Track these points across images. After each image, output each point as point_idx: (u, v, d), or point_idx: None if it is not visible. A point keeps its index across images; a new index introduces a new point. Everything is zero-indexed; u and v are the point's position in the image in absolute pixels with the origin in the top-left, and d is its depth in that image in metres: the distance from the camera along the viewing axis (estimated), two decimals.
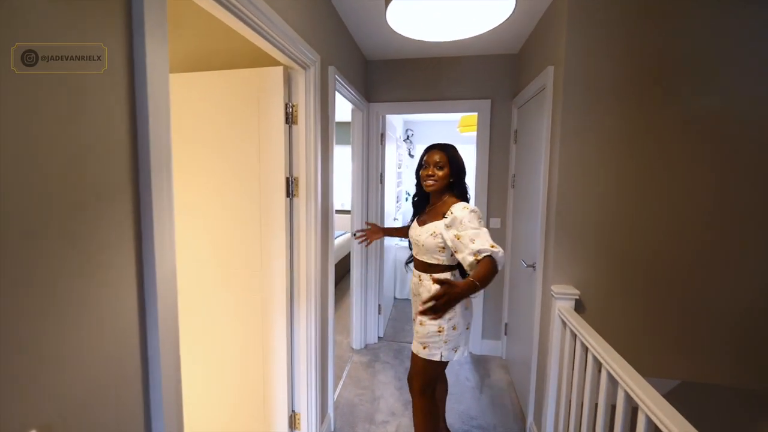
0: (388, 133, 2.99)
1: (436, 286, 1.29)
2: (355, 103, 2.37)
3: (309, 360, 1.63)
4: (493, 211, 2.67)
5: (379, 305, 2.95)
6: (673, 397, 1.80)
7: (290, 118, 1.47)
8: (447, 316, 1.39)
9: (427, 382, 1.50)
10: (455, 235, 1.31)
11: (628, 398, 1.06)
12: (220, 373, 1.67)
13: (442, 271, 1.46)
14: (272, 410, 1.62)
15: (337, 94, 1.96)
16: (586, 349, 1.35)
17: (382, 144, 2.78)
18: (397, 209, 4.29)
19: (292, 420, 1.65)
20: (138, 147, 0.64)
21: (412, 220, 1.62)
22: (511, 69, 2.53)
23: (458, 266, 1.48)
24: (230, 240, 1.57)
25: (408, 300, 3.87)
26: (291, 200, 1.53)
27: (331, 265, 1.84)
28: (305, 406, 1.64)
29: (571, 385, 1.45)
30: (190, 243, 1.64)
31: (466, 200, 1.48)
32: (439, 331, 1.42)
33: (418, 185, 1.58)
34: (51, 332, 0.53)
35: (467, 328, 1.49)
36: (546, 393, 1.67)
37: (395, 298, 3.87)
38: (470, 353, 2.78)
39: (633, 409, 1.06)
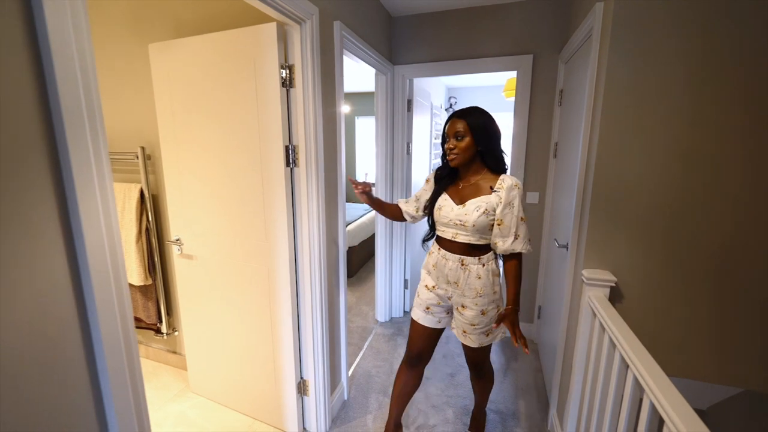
0: (419, 99, 2.78)
1: (486, 273, 1.33)
2: (376, 66, 2.20)
3: (315, 330, 1.63)
4: (531, 184, 2.40)
5: (406, 280, 2.88)
6: (734, 406, 1.51)
7: (287, 81, 1.38)
8: (500, 293, 1.38)
9: (487, 360, 1.55)
10: (499, 219, 1.27)
11: (654, 410, 0.88)
12: (233, 338, 1.75)
13: (487, 252, 1.34)
14: (281, 375, 1.66)
15: (349, 55, 1.82)
16: (614, 346, 1.15)
17: (409, 111, 2.60)
18: None
19: (301, 386, 1.69)
20: (48, 97, 0.59)
21: (436, 197, 1.40)
22: (557, 14, 2.15)
23: None
24: (236, 210, 1.57)
25: None
26: (291, 170, 1.47)
27: (341, 238, 1.79)
28: (312, 374, 1.66)
29: (597, 382, 1.27)
30: (198, 212, 1.68)
31: (504, 171, 1.33)
32: (498, 311, 1.39)
33: (444, 158, 1.39)
34: None
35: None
36: (570, 385, 1.50)
37: None
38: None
39: (660, 421, 0.88)
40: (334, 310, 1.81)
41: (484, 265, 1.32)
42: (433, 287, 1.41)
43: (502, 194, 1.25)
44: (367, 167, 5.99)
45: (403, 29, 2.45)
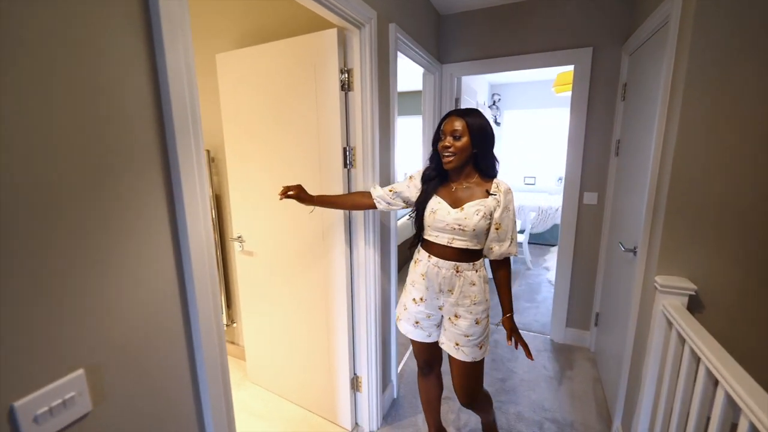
0: (465, 98, 2.74)
1: (479, 280, 1.30)
2: (425, 65, 2.20)
3: (369, 326, 1.66)
4: (588, 184, 2.27)
5: None
6: None
7: (346, 85, 1.42)
8: (482, 307, 1.31)
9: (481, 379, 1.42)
10: (497, 223, 1.24)
11: (754, 429, 0.80)
12: (290, 332, 1.82)
13: (479, 258, 1.29)
14: (335, 371, 1.71)
15: (401, 56, 1.83)
16: (697, 360, 1.07)
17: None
18: None
19: (354, 382, 1.73)
20: (162, 108, 0.66)
21: (426, 199, 1.30)
22: (620, 4, 2.02)
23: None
24: (294, 210, 1.64)
25: None
26: (348, 171, 1.51)
27: (393, 236, 1.81)
28: (366, 370, 1.70)
29: (673, 397, 1.18)
30: (259, 211, 1.77)
31: (494, 175, 1.28)
32: (487, 317, 1.34)
33: (435, 158, 1.30)
34: (91, 286, 0.59)
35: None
36: (640, 398, 1.40)
37: None
38: (553, 342, 2.53)
39: None
40: (386, 307, 1.84)
41: (477, 271, 1.28)
42: (421, 299, 1.33)
43: (501, 198, 1.23)
44: (407, 167, 5.99)
45: (451, 27, 2.42)
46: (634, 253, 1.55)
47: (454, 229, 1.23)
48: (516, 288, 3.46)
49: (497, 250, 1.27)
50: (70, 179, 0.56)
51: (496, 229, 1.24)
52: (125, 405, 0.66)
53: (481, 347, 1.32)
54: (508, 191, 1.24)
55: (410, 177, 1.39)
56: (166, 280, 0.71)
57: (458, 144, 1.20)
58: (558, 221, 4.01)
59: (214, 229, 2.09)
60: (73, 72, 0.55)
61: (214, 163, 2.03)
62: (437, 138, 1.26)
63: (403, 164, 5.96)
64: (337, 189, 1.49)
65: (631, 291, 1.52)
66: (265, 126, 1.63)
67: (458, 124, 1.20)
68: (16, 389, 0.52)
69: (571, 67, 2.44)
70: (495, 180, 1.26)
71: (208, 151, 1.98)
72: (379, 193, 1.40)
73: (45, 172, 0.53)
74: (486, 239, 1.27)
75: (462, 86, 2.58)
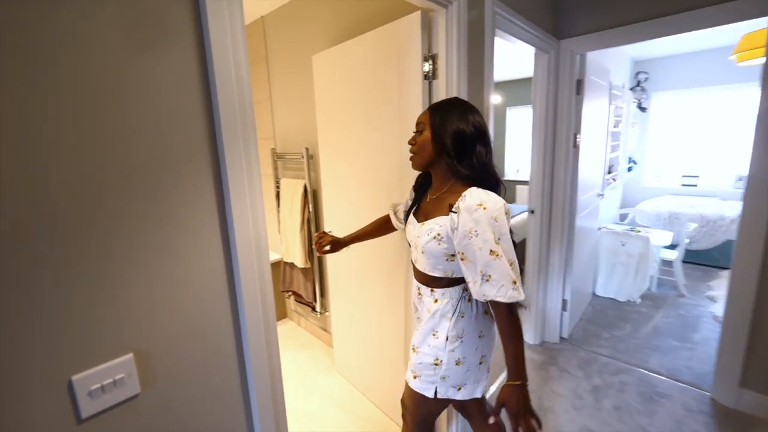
0: (593, 78, 2.24)
1: (438, 311, 1.01)
2: (536, 44, 1.86)
3: None
4: None
5: (564, 300, 2.39)
6: None
7: (430, 73, 1.28)
8: (449, 347, 0.99)
9: (421, 417, 1.14)
10: (461, 252, 0.90)
11: None
12: (370, 331, 1.79)
13: (449, 285, 1.00)
14: None
15: (502, 35, 1.58)
16: None
17: (578, 94, 2.12)
18: (607, 183, 3.30)
19: None
20: (212, 108, 0.66)
21: (408, 213, 1.11)
22: None
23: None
24: (378, 205, 1.58)
25: (612, 300, 3.00)
26: None
27: None
28: None
29: None
30: (346, 205, 1.78)
31: (484, 185, 0.93)
32: (436, 364, 1.01)
33: None
34: (141, 278, 0.62)
35: (480, 363, 1.03)
36: None
37: (594, 295, 3.08)
38: (717, 403, 1.85)
39: None
40: None
41: (437, 300, 1.01)
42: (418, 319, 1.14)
43: (458, 217, 0.88)
44: (519, 163, 5.41)
45: None
46: None
47: (416, 246, 1.02)
48: (660, 320, 2.70)
49: (472, 288, 0.92)
50: (128, 179, 0.60)
51: (462, 259, 0.91)
52: (173, 390, 0.69)
53: (416, 377, 1.05)
54: (473, 209, 0.86)
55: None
56: (215, 276, 0.72)
57: (419, 139, 0.99)
58: (733, 236, 2.96)
59: (312, 222, 2.22)
60: (128, 68, 0.59)
61: (312, 160, 2.14)
62: None
63: (516, 160, 5.41)
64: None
65: None
66: (352, 122, 1.63)
67: (421, 117, 1.01)
68: (75, 364, 0.58)
69: (763, 17, 1.72)
70: (467, 190, 0.90)
71: (307, 149, 2.11)
72: (392, 215, 1.28)
73: (110, 172, 0.58)
74: (450, 266, 0.97)
75: (587, 65, 2.11)
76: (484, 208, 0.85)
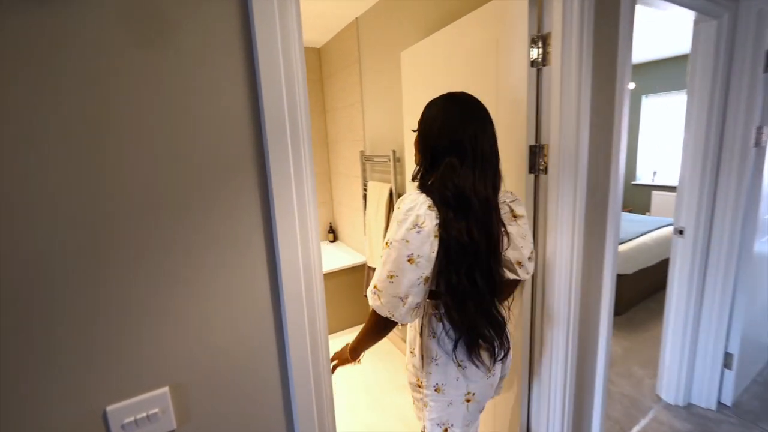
0: None
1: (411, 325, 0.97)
2: (700, 6, 1.36)
3: (554, 378, 1.19)
4: None
5: (728, 353, 1.76)
6: None
7: (539, 58, 1.00)
8: (426, 368, 0.89)
9: None
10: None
11: None
12: None
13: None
14: (506, 417, 1.33)
15: (648, 1, 1.17)
16: None
17: (766, 72, 1.50)
18: None
19: None
20: (260, 118, 0.57)
21: None
22: None
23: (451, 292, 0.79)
24: None
25: None
26: (536, 178, 1.08)
27: (608, 263, 1.21)
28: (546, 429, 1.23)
29: None
30: None
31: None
32: (419, 385, 0.91)
33: None
34: (179, 305, 0.56)
35: (468, 401, 0.89)
36: None
37: None
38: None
39: None
40: (587, 358, 1.27)
41: (434, 336, 0.90)
42: None
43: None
44: (657, 164, 4.38)
45: None
46: None
47: None
48: None
49: None
50: (163, 193, 0.54)
51: None
52: (211, 427, 0.62)
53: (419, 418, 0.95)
54: (398, 206, 0.79)
55: None
56: (258, 303, 0.64)
57: (415, 138, 0.88)
58: None
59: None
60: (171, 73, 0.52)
61: (399, 162, 2.02)
62: None
63: (650, 161, 4.39)
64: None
65: None
66: None
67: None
68: (110, 395, 0.54)
69: None
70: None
71: (393, 152, 1.99)
72: None
73: (148, 185, 0.53)
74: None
75: None
76: (403, 201, 0.79)
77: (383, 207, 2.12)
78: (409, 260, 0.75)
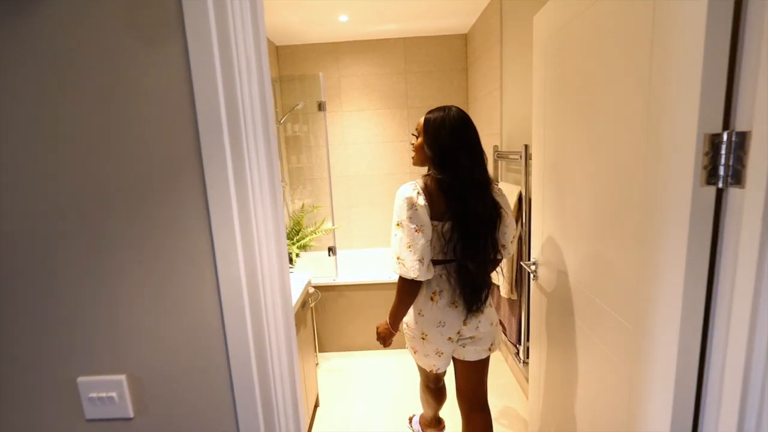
0: None
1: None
2: None
3: None
4: None
5: None
6: None
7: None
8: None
9: (423, 377, 1.48)
10: None
11: None
12: (577, 410, 1.15)
13: None
14: None
15: None
16: None
17: None
18: None
19: None
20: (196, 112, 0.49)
21: None
22: None
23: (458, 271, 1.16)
24: (602, 236, 0.94)
25: None
26: (722, 193, 0.60)
27: None
28: None
29: None
30: (556, 230, 1.20)
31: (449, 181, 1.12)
32: (407, 326, 1.28)
33: None
34: (126, 298, 0.58)
35: (423, 338, 1.24)
36: None
37: None
38: None
39: None
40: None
41: None
42: None
43: None
44: None
45: None
46: None
47: None
48: None
49: None
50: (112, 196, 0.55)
51: None
52: (165, 420, 0.63)
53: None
54: (396, 197, 1.13)
55: None
56: (207, 310, 0.58)
57: (416, 143, 1.21)
58: None
59: (524, 241, 1.71)
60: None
61: (531, 160, 1.62)
62: None
63: None
64: (679, 227, 0.65)
65: None
66: (573, 103, 1.03)
67: (418, 125, 1.19)
68: (80, 368, 0.60)
69: None
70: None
71: (526, 146, 1.61)
72: None
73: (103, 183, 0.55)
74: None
75: None
76: (397, 198, 1.12)
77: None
78: (416, 230, 1.08)
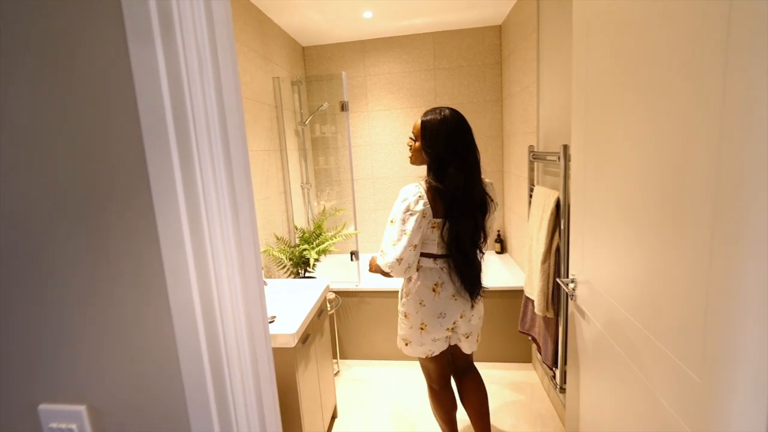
0: None
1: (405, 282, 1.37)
2: None
3: None
4: None
5: None
6: None
7: None
8: (401, 302, 1.37)
9: (427, 377, 1.48)
10: None
11: None
12: None
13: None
14: None
15: None
16: None
17: None
18: None
19: None
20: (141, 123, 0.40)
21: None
22: None
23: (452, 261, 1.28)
24: (657, 253, 0.76)
25: None
26: None
27: None
28: None
29: None
30: (597, 244, 1.02)
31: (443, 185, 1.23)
32: (405, 316, 1.35)
33: None
34: (89, 334, 0.51)
35: (421, 329, 1.31)
36: None
37: None
38: None
39: None
40: None
41: (410, 280, 1.34)
42: None
43: None
44: None
45: None
46: None
47: None
48: None
49: None
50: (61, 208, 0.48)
51: None
52: None
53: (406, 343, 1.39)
54: (399, 196, 1.25)
55: None
56: (165, 344, 0.50)
57: (414, 146, 1.29)
58: None
59: (562, 253, 1.52)
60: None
61: (570, 162, 1.43)
62: None
63: None
64: (762, 249, 0.48)
65: None
66: (635, 92, 0.85)
67: (414, 128, 1.28)
68: (42, 394, 0.55)
69: None
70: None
71: (565, 147, 1.42)
72: None
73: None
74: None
75: None
76: (401, 195, 1.25)
77: (546, 221, 1.57)
78: (403, 233, 1.21)
